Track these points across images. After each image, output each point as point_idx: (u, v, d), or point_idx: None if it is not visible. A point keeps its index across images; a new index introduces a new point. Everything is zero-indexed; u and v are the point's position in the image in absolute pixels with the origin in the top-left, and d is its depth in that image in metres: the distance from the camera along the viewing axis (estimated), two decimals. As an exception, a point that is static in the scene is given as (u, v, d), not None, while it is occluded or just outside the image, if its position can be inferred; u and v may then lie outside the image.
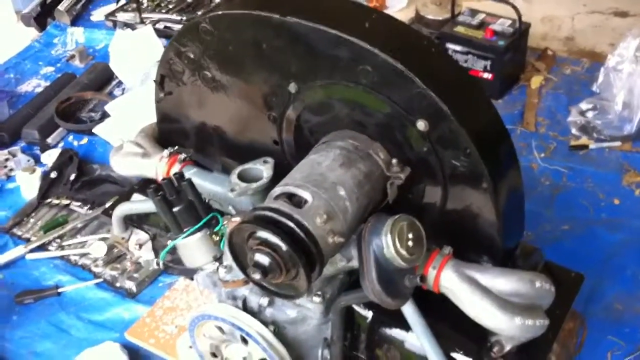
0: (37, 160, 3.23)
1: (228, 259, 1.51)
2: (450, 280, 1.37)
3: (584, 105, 3.12)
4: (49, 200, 3.00)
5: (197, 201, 1.50)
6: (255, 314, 1.52)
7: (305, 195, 1.31)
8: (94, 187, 2.97)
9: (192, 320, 1.57)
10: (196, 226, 1.48)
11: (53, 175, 3.05)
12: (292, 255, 1.24)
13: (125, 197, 1.88)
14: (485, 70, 3.29)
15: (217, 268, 1.54)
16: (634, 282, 2.42)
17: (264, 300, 1.51)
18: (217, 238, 1.53)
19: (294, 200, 1.31)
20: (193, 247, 1.51)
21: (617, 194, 2.77)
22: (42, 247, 2.78)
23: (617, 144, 2.98)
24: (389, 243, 1.28)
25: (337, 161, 1.38)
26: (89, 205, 2.91)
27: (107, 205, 2.64)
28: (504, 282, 1.38)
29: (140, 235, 1.82)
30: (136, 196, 1.81)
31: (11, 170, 3.18)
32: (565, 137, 3.07)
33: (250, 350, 1.52)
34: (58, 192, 3.01)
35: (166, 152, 1.70)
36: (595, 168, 2.89)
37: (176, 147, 1.72)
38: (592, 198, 2.76)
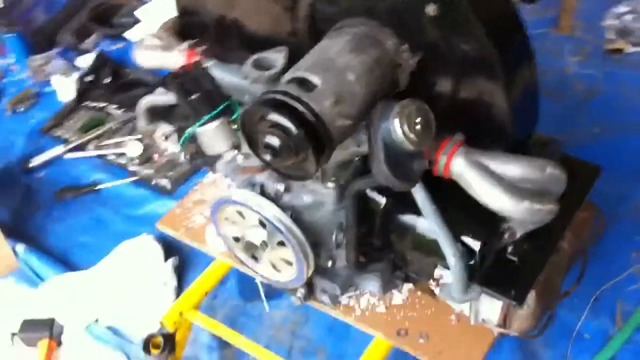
0: (73, 65, 3.30)
1: (244, 147, 1.55)
2: (461, 166, 1.39)
3: (622, 8, 3.03)
4: (86, 103, 3.09)
5: (214, 90, 1.54)
6: (273, 200, 1.57)
7: (314, 79, 1.33)
8: (129, 90, 3.04)
9: (213, 204, 1.63)
10: (212, 113, 1.51)
11: (89, 78, 3.12)
12: (302, 137, 1.27)
13: (151, 91, 1.92)
14: (521, -31, 3.19)
15: (234, 155, 1.58)
16: (664, 183, 2.41)
17: (281, 186, 1.55)
18: (235, 126, 1.57)
19: (305, 84, 1.33)
20: (211, 135, 1.56)
21: (651, 97, 2.73)
22: (80, 148, 2.88)
23: (654, 47, 2.91)
24: (396, 126, 1.30)
25: (347, 47, 1.38)
26: (124, 108, 2.99)
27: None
28: (513, 167, 1.39)
29: (165, 128, 1.86)
30: (160, 90, 1.84)
31: (48, 74, 3.25)
32: (601, 40, 3.00)
33: (269, 234, 1.58)
34: (94, 95, 3.09)
35: (185, 44, 1.72)
36: (630, 72, 2.83)
37: (195, 40, 1.74)
38: (625, 102, 2.72)
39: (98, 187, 2.67)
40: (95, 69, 3.15)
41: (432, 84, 1.45)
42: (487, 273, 1.46)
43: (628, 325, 2.06)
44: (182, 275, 2.33)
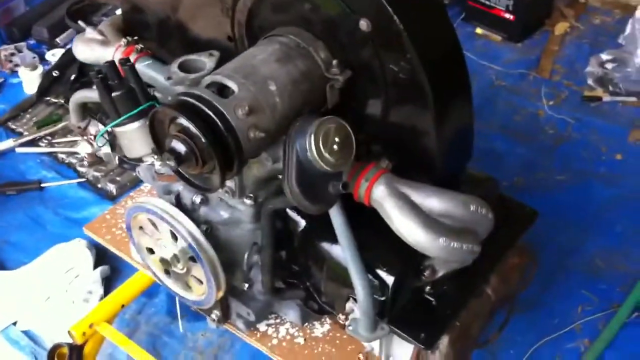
0: (43, 59, 3.23)
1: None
2: (381, 194, 1.30)
3: (604, 56, 2.97)
4: (47, 98, 3.01)
5: (138, 89, 1.45)
6: (189, 211, 1.48)
7: (232, 85, 1.25)
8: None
9: (128, 211, 1.54)
10: (132, 112, 1.43)
11: (55, 74, 3.04)
12: (209, 146, 1.19)
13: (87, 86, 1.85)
14: (507, 10, 3.15)
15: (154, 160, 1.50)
16: (620, 239, 2.33)
17: (197, 198, 1.46)
18: (158, 129, 1.48)
19: (223, 90, 1.25)
20: (131, 136, 1.47)
21: (621, 149, 2.66)
22: (33, 143, 2.79)
23: (633, 99, 2.84)
24: (312, 144, 1.21)
25: (273, 55, 1.31)
26: (84, 107, 2.89)
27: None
28: (436, 201, 1.30)
29: (99, 126, 1.78)
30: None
31: (16, 65, 3.18)
32: (579, 87, 2.94)
33: (181, 248, 1.48)
34: (57, 91, 3.00)
35: (124, 40, 1.65)
36: (603, 121, 2.76)
37: (135, 38, 1.66)
38: (594, 151, 2.65)
39: (43, 185, 2.58)
40: (62, 64, 3.06)
41: (362, 105, 1.37)
42: (400, 312, 1.36)
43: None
44: (111, 285, 2.22)
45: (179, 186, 1.48)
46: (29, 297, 2.18)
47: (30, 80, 3.06)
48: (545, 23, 3.27)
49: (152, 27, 1.68)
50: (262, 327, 1.69)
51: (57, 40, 3.34)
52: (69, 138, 2.76)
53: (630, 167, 2.56)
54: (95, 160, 2.61)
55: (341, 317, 1.41)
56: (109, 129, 1.49)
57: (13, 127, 2.88)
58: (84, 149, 2.62)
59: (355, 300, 1.38)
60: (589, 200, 2.45)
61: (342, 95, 1.36)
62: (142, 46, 1.64)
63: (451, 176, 1.40)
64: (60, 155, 2.71)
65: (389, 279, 1.34)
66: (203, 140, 1.19)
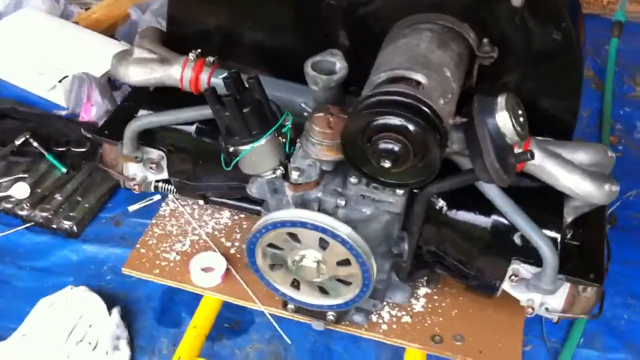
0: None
1: (298, 161, 1.42)
2: (538, 157, 1.40)
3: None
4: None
5: (264, 100, 1.38)
6: (330, 215, 1.45)
7: (418, 77, 1.26)
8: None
9: (256, 232, 1.46)
10: (276, 125, 1.37)
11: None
12: (425, 136, 1.20)
13: (120, 114, 1.68)
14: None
15: (281, 172, 1.44)
16: None
17: (342, 200, 1.43)
18: (284, 140, 1.42)
19: (408, 83, 1.26)
20: (261, 151, 1.40)
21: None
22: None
23: None
24: (505, 120, 1.27)
25: (433, 43, 1.33)
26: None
27: (18, 142, 2.35)
28: (582, 153, 1.44)
29: (151, 154, 1.63)
30: (143, 111, 1.61)
31: None
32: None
33: (330, 254, 1.45)
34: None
35: (192, 55, 1.53)
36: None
37: (198, 50, 1.55)
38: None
39: (-16, 240, 2.24)
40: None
41: (496, 78, 1.44)
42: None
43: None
44: (132, 326, 2.03)
45: (317, 193, 1.44)
46: (45, 362, 1.92)
47: None
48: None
49: (210, 38, 1.58)
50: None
51: None
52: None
53: None
54: (37, 199, 2.33)
55: (514, 278, 1.49)
56: (232, 149, 1.40)
57: None
58: (18, 190, 2.34)
59: (521, 261, 1.47)
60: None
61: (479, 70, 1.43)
62: (213, 59, 1.54)
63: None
64: (-11, 204, 2.35)
65: (556, 235, 1.45)
66: (416, 132, 1.20)
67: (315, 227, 1.40)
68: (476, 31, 1.38)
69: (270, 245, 1.48)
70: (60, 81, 2.54)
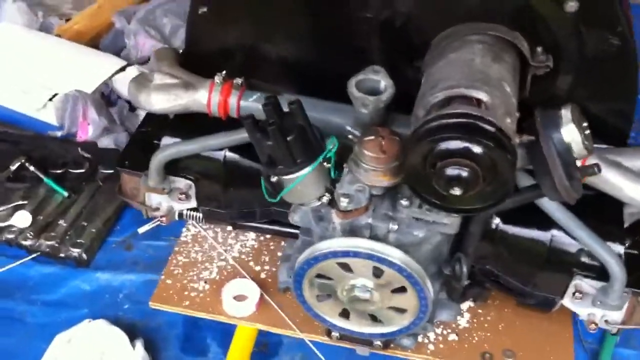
0: None
1: (345, 187, 1.33)
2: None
3: None
4: None
5: (307, 125, 1.29)
6: (382, 241, 1.36)
7: (480, 95, 1.17)
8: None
9: (302, 264, 1.37)
10: (324, 153, 1.27)
11: None
12: (496, 158, 1.12)
13: (138, 142, 1.58)
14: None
15: (328, 199, 1.35)
16: None
17: (394, 225, 1.35)
18: (328, 165, 1.33)
19: (469, 102, 1.17)
20: (308, 180, 1.30)
21: None
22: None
23: None
24: (573, 133, 1.20)
25: (487, 57, 1.25)
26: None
27: (13, 167, 2.22)
28: (640, 159, 1.38)
29: (179, 183, 1.53)
30: (166, 139, 1.50)
31: None
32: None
33: (385, 282, 1.37)
34: None
35: (218, 78, 1.42)
36: None
37: (224, 72, 1.44)
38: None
39: (-12, 275, 2.11)
40: None
41: (549, 86, 1.37)
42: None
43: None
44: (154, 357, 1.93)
45: (367, 219, 1.35)
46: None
47: None
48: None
49: (235, 55, 1.48)
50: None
51: None
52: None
53: None
54: (40, 227, 2.21)
55: (577, 294, 1.42)
56: (276, 179, 1.31)
57: None
58: (19, 219, 2.21)
59: (583, 276, 1.41)
60: None
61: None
62: (241, 80, 1.44)
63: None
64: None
65: (620, 248, 1.39)
66: (486, 155, 1.12)
67: (370, 257, 1.32)
68: (527, 40, 1.30)
69: (319, 275, 1.40)
70: (50, 99, 2.40)
